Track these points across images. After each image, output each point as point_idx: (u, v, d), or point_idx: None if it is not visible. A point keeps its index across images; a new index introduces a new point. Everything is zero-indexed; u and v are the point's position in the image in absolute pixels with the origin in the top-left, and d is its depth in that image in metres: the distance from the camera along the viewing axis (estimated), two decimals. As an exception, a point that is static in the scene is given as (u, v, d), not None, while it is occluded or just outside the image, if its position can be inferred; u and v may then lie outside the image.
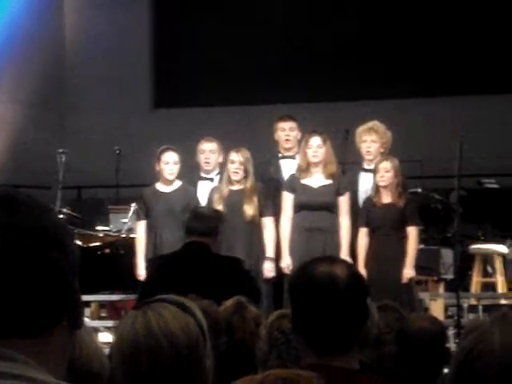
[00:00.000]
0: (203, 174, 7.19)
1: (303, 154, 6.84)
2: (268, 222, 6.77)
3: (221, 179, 7.03)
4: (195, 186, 7.11)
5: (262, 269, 6.69)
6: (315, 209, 6.74)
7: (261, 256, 6.72)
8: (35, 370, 1.09)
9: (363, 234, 6.73)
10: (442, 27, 10.36)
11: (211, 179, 7.14)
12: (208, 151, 7.11)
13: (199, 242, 5.10)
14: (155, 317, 1.98)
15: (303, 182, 6.83)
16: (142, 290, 5.40)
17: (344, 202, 6.80)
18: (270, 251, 6.73)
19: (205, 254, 5.07)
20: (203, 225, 5.14)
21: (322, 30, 10.60)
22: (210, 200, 6.86)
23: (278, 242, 6.82)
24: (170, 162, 6.92)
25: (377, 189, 6.76)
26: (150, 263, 5.58)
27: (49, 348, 1.12)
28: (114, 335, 2.08)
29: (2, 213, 1.11)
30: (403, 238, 6.65)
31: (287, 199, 6.83)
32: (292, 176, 6.95)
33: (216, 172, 7.16)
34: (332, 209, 6.76)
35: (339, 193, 6.79)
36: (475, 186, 8.39)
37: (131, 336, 1.97)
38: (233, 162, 6.78)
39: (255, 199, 6.74)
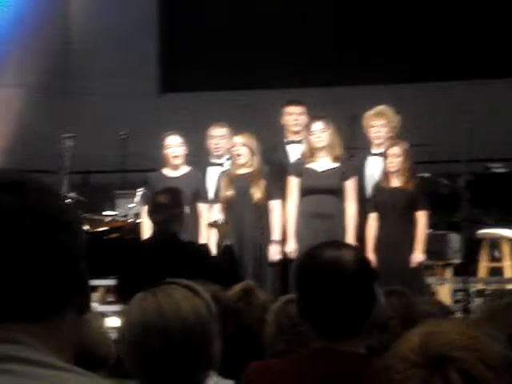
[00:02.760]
0: (213, 160, 7.19)
1: (307, 140, 6.84)
2: (275, 205, 6.78)
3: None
4: (204, 170, 7.11)
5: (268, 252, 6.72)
6: (320, 192, 6.73)
7: (267, 239, 6.73)
8: (42, 353, 1.09)
9: (372, 219, 6.73)
10: (450, 10, 10.30)
11: (221, 164, 7.15)
12: (218, 137, 7.11)
13: (164, 229, 5.10)
14: (165, 298, 1.99)
15: (308, 166, 6.83)
16: (117, 281, 5.37)
17: (350, 186, 6.79)
18: (276, 234, 6.74)
19: (171, 243, 5.07)
20: (162, 215, 5.12)
21: (332, 13, 10.55)
22: (218, 185, 6.88)
23: (283, 226, 6.84)
24: (172, 145, 6.93)
25: (385, 174, 6.75)
26: (124, 254, 5.55)
27: (56, 331, 1.13)
28: (122, 318, 2.07)
29: (11, 197, 1.11)
30: (412, 222, 6.65)
31: (293, 183, 6.83)
32: (297, 160, 6.94)
33: (226, 157, 7.16)
34: (338, 193, 6.75)
35: (345, 177, 6.78)
36: (483, 171, 8.37)
37: (141, 317, 1.98)
38: (234, 146, 6.78)
39: (262, 183, 6.75)
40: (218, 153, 7.13)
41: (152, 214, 5.21)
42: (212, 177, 7.03)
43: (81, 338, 1.77)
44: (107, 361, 2.52)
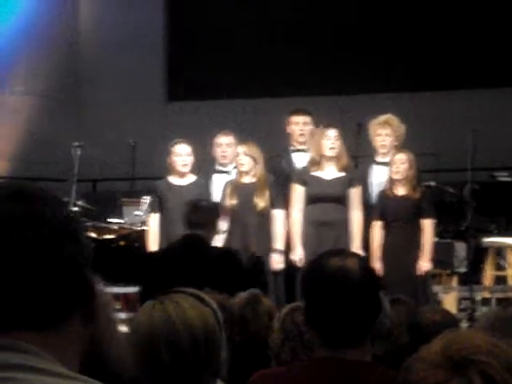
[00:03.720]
0: (219, 168, 7.22)
1: (318, 146, 6.83)
2: (278, 214, 6.79)
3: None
4: (210, 179, 7.14)
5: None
6: (327, 201, 6.75)
7: (269, 248, 6.76)
8: (48, 361, 1.10)
9: (378, 227, 6.74)
10: (455, 20, 10.33)
11: (228, 172, 7.18)
12: (225, 145, 7.14)
13: (194, 234, 5.19)
14: (173, 306, 2.01)
15: (315, 174, 6.85)
16: (142, 285, 5.45)
17: (356, 194, 6.81)
18: (278, 243, 6.76)
19: (201, 247, 5.15)
20: (198, 217, 5.22)
21: (338, 22, 10.58)
22: (223, 193, 6.91)
23: (286, 234, 6.85)
24: (182, 154, 6.95)
25: (391, 181, 6.77)
26: (150, 257, 5.65)
27: (62, 340, 1.13)
28: (130, 326, 2.09)
29: (16, 206, 1.12)
30: (418, 230, 6.66)
31: (297, 191, 6.85)
32: (302, 168, 6.96)
33: (233, 165, 7.19)
34: (344, 201, 6.77)
35: (351, 185, 6.80)
36: (488, 180, 8.38)
37: (149, 325, 1.99)
38: (238, 154, 6.83)
39: (266, 192, 6.77)
40: (225, 161, 7.17)
41: (190, 214, 5.30)
42: (218, 185, 7.07)
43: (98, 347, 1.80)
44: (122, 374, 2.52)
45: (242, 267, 5.52)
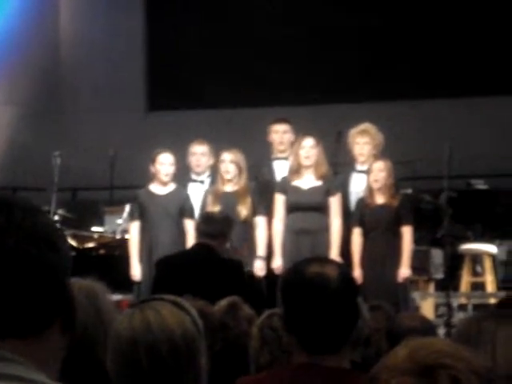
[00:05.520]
0: (194, 177, 7.27)
1: (295, 155, 6.93)
2: (260, 222, 6.85)
3: (212, 181, 7.12)
4: (185, 187, 7.19)
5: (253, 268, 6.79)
6: (305, 210, 6.82)
7: (253, 255, 6.82)
8: (29, 370, 1.10)
9: (357, 234, 6.81)
10: (433, 30, 10.43)
11: (202, 181, 7.23)
12: (199, 154, 7.19)
13: (206, 244, 5.26)
14: (152, 313, 2.01)
15: (294, 183, 6.93)
16: (152, 290, 5.54)
17: (335, 202, 6.88)
18: (261, 250, 6.82)
19: (210, 257, 5.21)
20: (211, 227, 5.30)
21: (316, 32, 10.66)
22: (204, 202, 6.95)
23: (269, 242, 6.91)
24: (165, 164, 6.99)
25: (370, 190, 6.84)
26: (159, 263, 5.71)
27: (42, 349, 1.13)
28: (111, 333, 2.09)
29: None
30: (397, 237, 6.73)
31: (279, 201, 6.92)
32: (284, 178, 7.04)
33: (207, 174, 7.24)
34: (322, 210, 6.83)
35: (330, 193, 6.88)
36: (465, 187, 8.48)
37: (129, 332, 1.99)
38: (223, 162, 6.88)
39: (249, 200, 6.83)
40: (199, 170, 7.21)
41: (201, 224, 5.36)
42: (193, 193, 7.11)
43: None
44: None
45: (249, 278, 5.63)
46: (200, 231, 5.42)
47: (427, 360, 1.14)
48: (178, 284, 4.78)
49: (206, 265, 5.19)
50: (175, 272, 5.22)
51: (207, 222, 5.40)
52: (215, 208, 6.77)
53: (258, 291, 5.58)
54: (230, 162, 6.85)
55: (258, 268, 6.78)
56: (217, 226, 5.35)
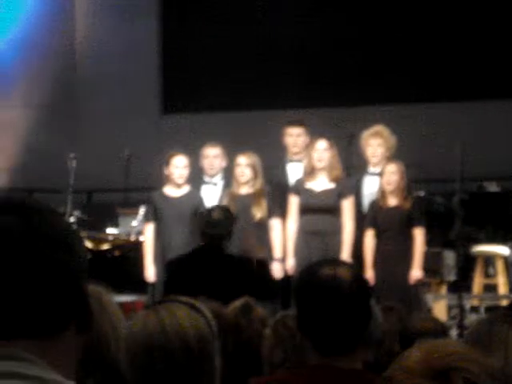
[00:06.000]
0: (207, 179, 7.32)
1: (308, 158, 6.98)
2: (275, 224, 6.90)
3: (225, 184, 7.18)
4: (199, 190, 7.25)
5: (269, 270, 6.84)
6: (317, 212, 6.86)
7: (268, 257, 6.86)
8: (44, 369, 1.11)
9: (370, 236, 6.85)
10: (443, 33, 10.44)
11: (215, 184, 7.28)
12: (212, 156, 7.23)
13: (215, 244, 5.35)
14: (167, 315, 2.02)
15: (308, 185, 6.97)
16: (163, 291, 5.63)
17: (347, 205, 6.92)
18: (277, 252, 6.87)
19: (218, 255, 5.30)
20: (217, 229, 5.37)
21: (327, 36, 10.69)
22: (220, 203, 6.99)
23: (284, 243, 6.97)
24: (180, 167, 7.03)
25: (383, 192, 6.87)
26: (169, 265, 5.79)
27: (57, 349, 1.14)
28: (125, 334, 2.11)
29: (14, 218, 1.15)
30: (409, 239, 6.75)
31: (293, 202, 6.97)
32: (298, 180, 7.09)
33: (220, 177, 7.30)
34: (334, 212, 6.87)
35: (342, 196, 6.92)
36: (477, 190, 8.49)
37: (144, 334, 2.00)
38: (239, 165, 6.93)
39: (263, 202, 6.87)
40: (212, 172, 7.26)
41: (208, 228, 5.44)
42: (206, 196, 7.16)
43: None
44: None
45: (258, 275, 5.70)
46: (207, 235, 5.49)
47: (442, 363, 1.14)
48: (188, 284, 4.86)
49: (215, 264, 5.28)
50: (186, 273, 5.30)
51: (212, 226, 5.48)
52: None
53: (268, 287, 5.66)
54: (246, 165, 6.90)
55: (276, 270, 6.84)
56: (222, 228, 5.45)
